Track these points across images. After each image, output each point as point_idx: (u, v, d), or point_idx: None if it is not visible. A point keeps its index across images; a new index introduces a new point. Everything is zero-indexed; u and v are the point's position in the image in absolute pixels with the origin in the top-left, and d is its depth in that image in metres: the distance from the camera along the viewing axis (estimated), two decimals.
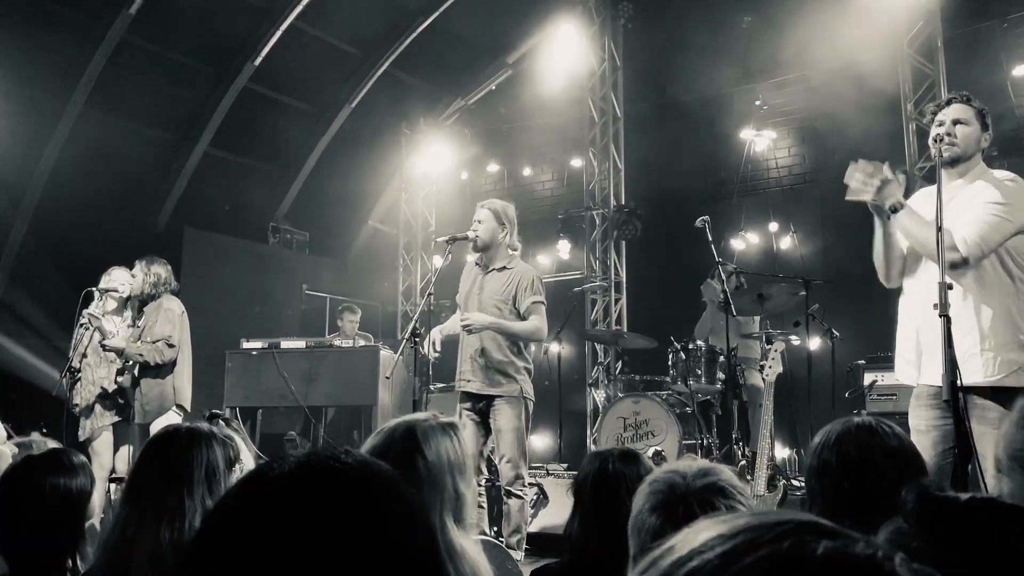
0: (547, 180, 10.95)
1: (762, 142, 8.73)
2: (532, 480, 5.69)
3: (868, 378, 5.90)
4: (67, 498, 2.03)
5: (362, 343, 7.21)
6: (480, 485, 4.51)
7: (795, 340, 6.34)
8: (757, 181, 9.13)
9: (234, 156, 10.01)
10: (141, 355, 5.10)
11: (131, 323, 5.49)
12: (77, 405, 5.35)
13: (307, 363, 6.73)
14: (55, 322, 7.51)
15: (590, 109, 8.86)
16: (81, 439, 5.31)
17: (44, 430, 3.80)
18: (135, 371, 5.25)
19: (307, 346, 6.87)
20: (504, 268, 4.52)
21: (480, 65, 10.27)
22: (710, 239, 5.59)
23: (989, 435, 2.76)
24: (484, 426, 4.42)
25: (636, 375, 7.14)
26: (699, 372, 6.35)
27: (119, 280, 5.48)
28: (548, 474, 6.15)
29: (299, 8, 8.70)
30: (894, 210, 2.97)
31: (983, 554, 0.91)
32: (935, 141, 3.03)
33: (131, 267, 5.42)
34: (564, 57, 8.68)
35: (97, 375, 5.37)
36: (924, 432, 2.98)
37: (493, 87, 10.35)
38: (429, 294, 4.67)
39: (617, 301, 8.55)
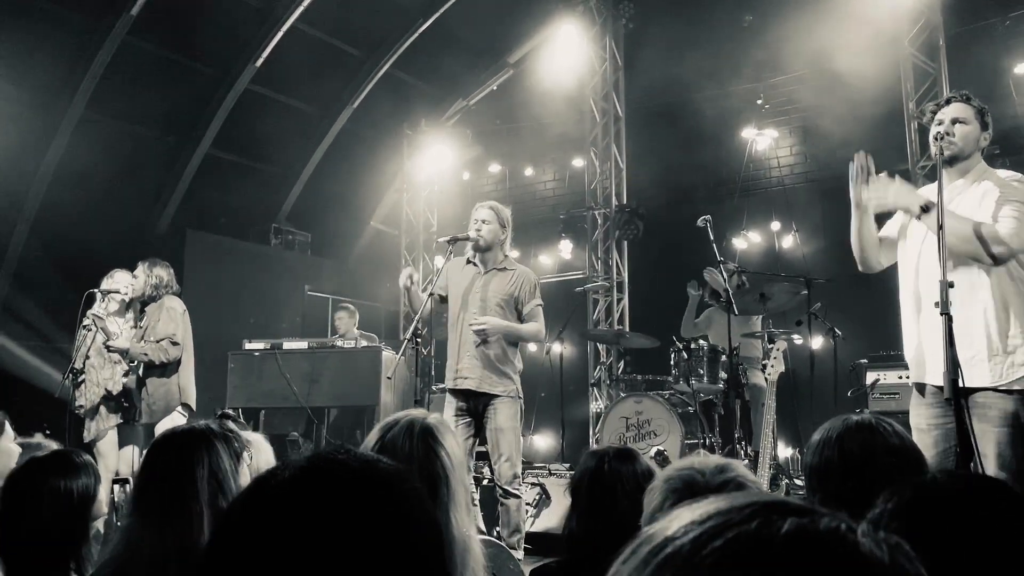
0: (549, 180, 10.95)
1: (764, 141, 8.74)
2: (535, 480, 5.70)
3: (871, 377, 5.88)
4: (73, 499, 2.04)
5: (364, 343, 7.22)
6: (472, 484, 4.51)
7: (797, 339, 6.33)
8: (759, 180, 9.13)
9: (236, 157, 10.02)
10: (146, 355, 5.10)
11: (133, 325, 5.49)
12: (81, 407, 5.36)
13: (309, 364, 6.74)
14: (57, 324, 7.52)
15: (591, 109, 8.84)
16: (86, 440, 5.32)
17: (47, 432, 3.80)
18: (139, 371, 5.26)
19: (309, 347, 6.88)
20: (505, 269, 4.53)
21: (481, 65, 10.26)
22: (712, 238, 5.59)
23: (990, 433, 2.76)
24: (475, 425, 4.39)
25: (638, 375, 7.14)
26: (701, 371, 6.35)
27: (121, 282, 5.48)
28: (551, 474, 6.15)
29: (300, 9, 8.70)
30: (925, 209, 2.97)
31: (965, 528, 0.92)
32: (935, 139, 3.03)
33: (133, 269, 5.42)
34: (565, 57, 8.66)
35: (101, 376, 5.37)
36: (925, 431, 2.98)
37: (494, 87, 10.35)
38: (431, 294, 4.67)
39: (619, 301, 8.54)
